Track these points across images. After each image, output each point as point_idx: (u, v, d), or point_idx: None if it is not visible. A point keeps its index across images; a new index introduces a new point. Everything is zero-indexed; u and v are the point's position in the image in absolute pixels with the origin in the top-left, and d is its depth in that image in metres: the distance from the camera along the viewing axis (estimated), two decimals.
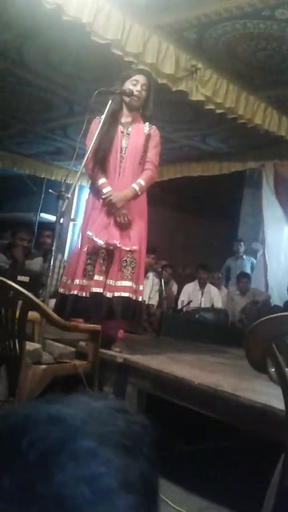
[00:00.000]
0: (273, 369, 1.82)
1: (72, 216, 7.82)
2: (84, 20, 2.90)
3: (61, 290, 3.04)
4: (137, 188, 2.93)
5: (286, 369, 1.54)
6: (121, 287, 2.85)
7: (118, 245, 2.86)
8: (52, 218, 7.22)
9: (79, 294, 2.91)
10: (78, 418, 0.36)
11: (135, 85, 2.94)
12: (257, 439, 2.70)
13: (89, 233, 2.90)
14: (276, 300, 5.91)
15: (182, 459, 2.80)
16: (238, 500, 2.29)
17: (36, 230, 7.57)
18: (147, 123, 3.05)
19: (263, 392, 2.18)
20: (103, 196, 2.91)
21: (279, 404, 1.94)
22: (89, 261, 2.93)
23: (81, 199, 8.05)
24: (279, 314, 1.44)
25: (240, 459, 2.92)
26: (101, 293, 2.84)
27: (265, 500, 1.70)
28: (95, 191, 3.01)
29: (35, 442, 0.33)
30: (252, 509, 2.05)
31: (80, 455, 0.33)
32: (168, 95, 3.72)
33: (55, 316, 2.45)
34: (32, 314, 2.56)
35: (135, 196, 2.95)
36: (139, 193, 2.96)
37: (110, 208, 2.89)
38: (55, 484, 0.32)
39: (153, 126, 3.06)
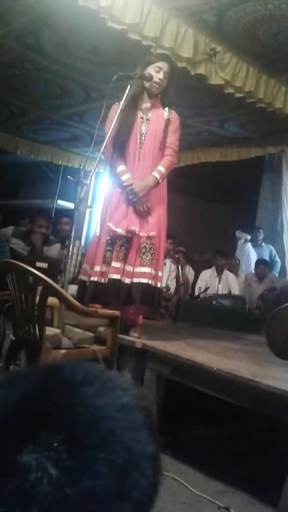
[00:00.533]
0: None
1: (89, 203, 7.83)
2: (102, 4, 2.86)
3: (82, 277, 3.08)
4: (158, 176, 2.93)
5: None
6: (140, 273, 2.86)
7: (137, 232, 2.86)
8: (69, 205, 7.25)
9: (99, 281, 2.93)
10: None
11: (158, 72, 2.91)
12: (275, 425, 2.70)
13: (109, 224, 2.90)
14: None
15: (201, 444, 2.82)
16: (255, 485, 2.30)
17: (53, 217, 7.60)
18: (166, 108, 3.02)
19: (282, 379, 2.18)
20: (124, 184, 2.90)
21: None
22: (108, 247, 2.94)
23: (97, 186, 8.05)
24: None
25: (258, 445, 2.93)
26: (119, 279, 2.85)
27: (285, 485, 1.71)
28: (115, 178, 3.01)
29: (82, 378, 0.48)
30: (269, 493, 2.07)
31: (110, 387, 0.48)
32: (187, 79, 3.67)
33: (74, 301, 2.47)
34: (51, 300, 2.58)
35: (156, 184, 2.94)
36: (160, 180, 2.95)
37: (132, 197, 2.88)
38: (93, 400, 0.46)
39: (173, 111, 3.03)
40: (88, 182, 2.78)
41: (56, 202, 8.11)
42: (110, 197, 3.04)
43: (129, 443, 0.45)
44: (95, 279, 2.93)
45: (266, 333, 1.67)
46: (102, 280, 2.92)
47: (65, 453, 0.41)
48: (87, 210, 7.86)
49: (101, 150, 2.81)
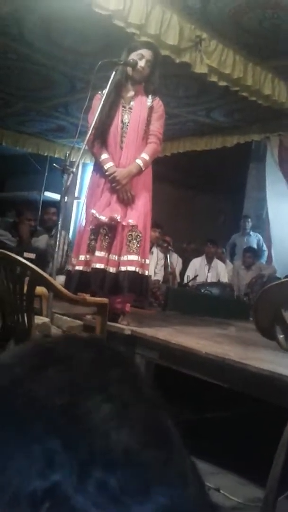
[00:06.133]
0: (282, 336, 1.85)
1: (76, 194, 7.80)
2: None
3: (69, 268, 3.08)
4: (141, 163, 2.91)
5: None
6: (127, 261, 2.86)
7: (119, 220, 2.86)
8: (55, 196, 7.21)
9: (84, 270, 2.93)
10: None
11: (140, 59, 2.89)
12: (263, 408, 2.74)
13: (92, 211, 2.90)
14: (281, 274, 5.94)
15: (190, 427, 2.85)
16: (244, 467, 2.34)
17: (40, 208, 7.57)
18: (150, 96, 3.01)
19: (270, 361, 2.21)
20: (106, 173, 2.89)
21: (285, 371, 1.97)
22: (92, 236, 2.94)
23: (84, 177, 8.01)
24: (286, 279, 1.45)
25: (247, 427, 2.97)
26: (103, 269, 2.85)
27: (273, 466, 1.75)
28: (98, 167, 3.00)
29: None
30: (258, 474, 2.10)
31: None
32: (172, 68, 3.66)
33: (62, 289, 2.46)
34: (40, 289, 2.58)
35: (140, 172, 2.93)
36: (144, 168, 2.94)
37: (114, 185, 2.88)
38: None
39: (156, 97, 3.02)
40: (74, 170, 2.77)
41: (43, 193, 8.06)
42: (94, 186, 3.03)
43: None
44: (80, 268, 2.93)
45: (253, 315, 1.69)
46: (88, 270, 2.92)
47: None
48: (74, 201, 7.82)
49: (85, 141, 2.80)
